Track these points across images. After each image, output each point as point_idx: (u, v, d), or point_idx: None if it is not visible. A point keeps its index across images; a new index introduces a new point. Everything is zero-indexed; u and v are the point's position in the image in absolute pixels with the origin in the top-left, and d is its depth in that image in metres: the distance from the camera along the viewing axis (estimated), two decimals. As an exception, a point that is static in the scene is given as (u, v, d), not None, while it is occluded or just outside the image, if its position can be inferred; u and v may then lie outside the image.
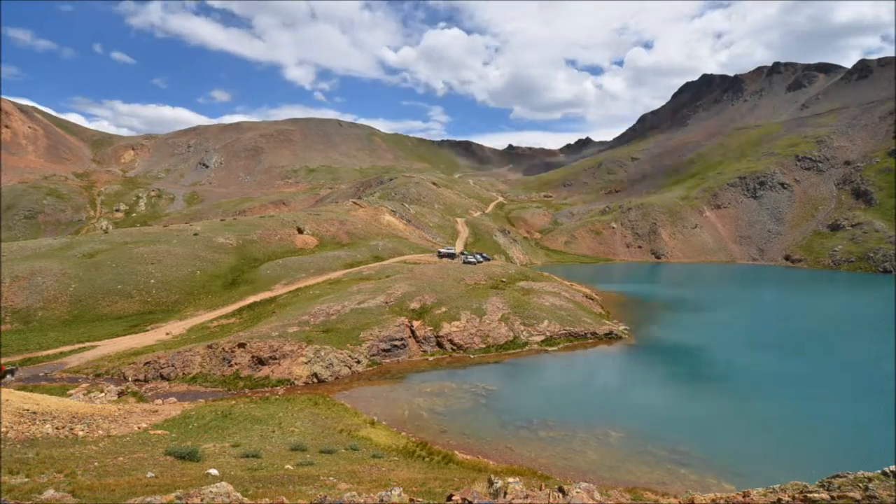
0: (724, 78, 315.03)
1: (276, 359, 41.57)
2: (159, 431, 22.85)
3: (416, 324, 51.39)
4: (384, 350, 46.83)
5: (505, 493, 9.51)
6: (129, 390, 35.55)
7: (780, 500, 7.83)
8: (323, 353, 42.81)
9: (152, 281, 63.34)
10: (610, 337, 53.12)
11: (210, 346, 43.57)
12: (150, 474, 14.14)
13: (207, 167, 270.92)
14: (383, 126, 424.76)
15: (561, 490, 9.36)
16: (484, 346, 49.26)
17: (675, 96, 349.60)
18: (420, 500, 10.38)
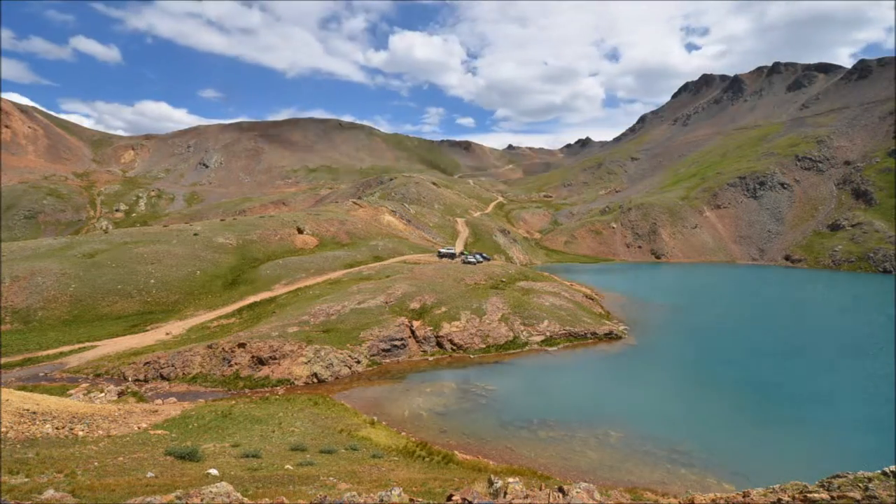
0: (723, 78, 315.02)
1: (276, 359, 41.57)
2: (159, 431, 22.85)
3: (416, 324, 51.39)
4: (384, 350, 46.82)
5: (505, 493, 9.51)
6: (129, 390, 35.55)
7: (780, 500, 7.83)
8: (323, 353, 42.80)
9: (152, 281, 63.33)
10: (610, 337, 53.10)
11: (210, 346, 43.56)
12: (150, 474, 14.14)
13: (207, 167, 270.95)
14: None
15: (561, 490, 9.36)
16: (484, 346, 49.25)
17: (674, 96, 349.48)
18: (420, 500, 10.37)
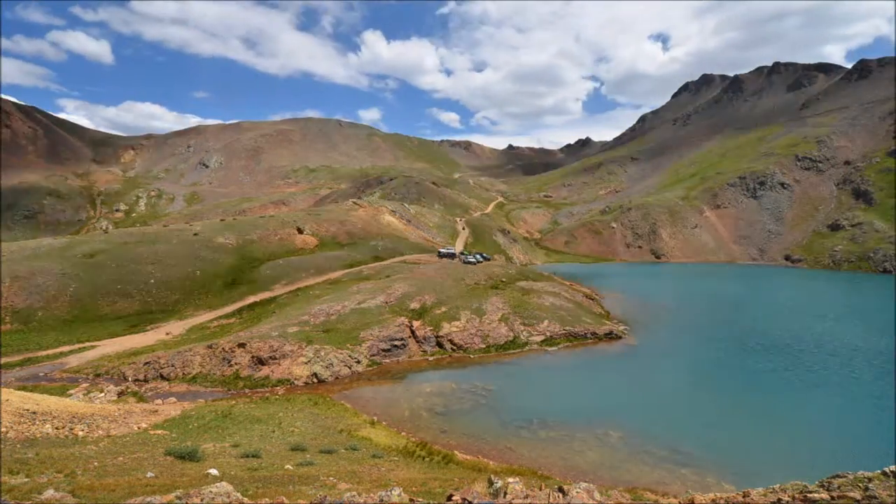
0: (723, 78, 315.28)
1: (276, 359, 41.57)
2: (159, 431, 22.86)
3: (416, 324, 51.39)
4: (384, 350, 46.82)
5: (505, 493, 9.51)
6: (129, 390, 35.57)
7: (780, 500, 7.83)
8: (323, 353, 42.81)
9: (152, 281, 63.34)
10: (610, 337, 53.10)
11: (210, 346, 43.57)
12: (150, 474, 14.14)
13: (207, 167, 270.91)
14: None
15: (561, 490, 9.36)
16: (484, 346, 49.25)
17: (675, 96, 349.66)
18: (420, 500, 10.37)
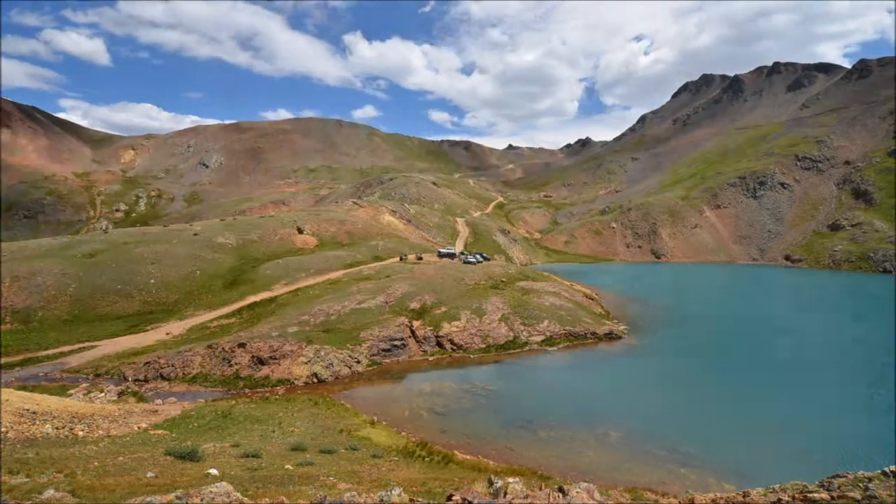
0: (723, 78, 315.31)
1: (276, 359, 41.57)
2: (159, 431, 22.86)
3: (416, 324, 51.39)
4: (384, 350, 46.83)
5: (505, 493, 9.50)
6: (129, 390, 35.59)
7: (780, 500, 7.83)
8: (323, 353, 42.81)
9: (152, 281, 63.33)
10: (610, 337, 53.11)
11: (210, 346, 43.57)
12: (150, 474, 14.14)
13: (207, 167, 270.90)
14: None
15: (561, 490, 9.36)
16: (484, 345, 49.25)
17: (675, 96, 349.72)
18: (420, 500, 10.36)
